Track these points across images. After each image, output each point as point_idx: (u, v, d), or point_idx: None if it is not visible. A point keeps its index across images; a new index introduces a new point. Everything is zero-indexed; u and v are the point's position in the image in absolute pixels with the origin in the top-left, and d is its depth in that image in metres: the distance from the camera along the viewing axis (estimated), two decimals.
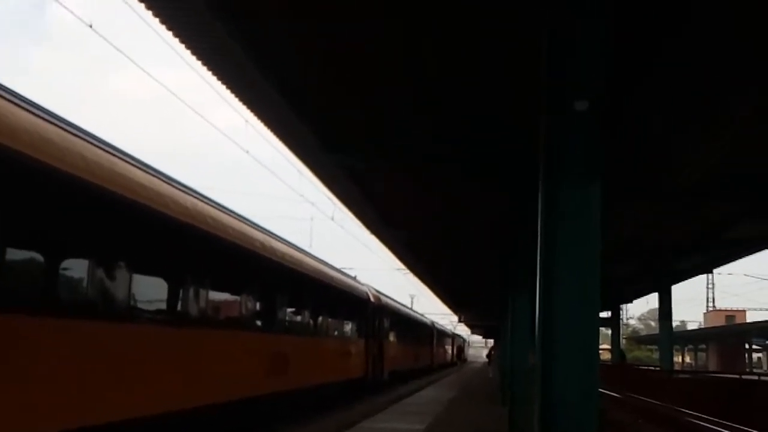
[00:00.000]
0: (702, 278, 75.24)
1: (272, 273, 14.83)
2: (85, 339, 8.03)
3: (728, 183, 13.80)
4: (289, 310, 16.27)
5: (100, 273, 8.30)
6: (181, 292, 10.60)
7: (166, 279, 10.44)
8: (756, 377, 19.58)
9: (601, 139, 4.94)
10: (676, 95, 9.17)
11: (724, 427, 4.19)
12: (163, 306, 10.36)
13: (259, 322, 14.12)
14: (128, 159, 9.41)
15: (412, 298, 70.86)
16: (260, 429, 14.13)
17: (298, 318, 17.31)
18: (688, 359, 78.47)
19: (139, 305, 9.46)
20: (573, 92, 4.90)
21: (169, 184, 10.46)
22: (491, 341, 71.52)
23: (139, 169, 9.58)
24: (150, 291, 10.12)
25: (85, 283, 8.14)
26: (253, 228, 14.22)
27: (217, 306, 12.46)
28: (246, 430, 13.41)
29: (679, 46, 7.81)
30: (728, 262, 26.16)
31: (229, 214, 12.92)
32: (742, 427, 3.52)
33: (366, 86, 10.24)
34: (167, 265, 10.34)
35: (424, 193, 16.58)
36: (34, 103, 7.63)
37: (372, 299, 26.85)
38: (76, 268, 8.24)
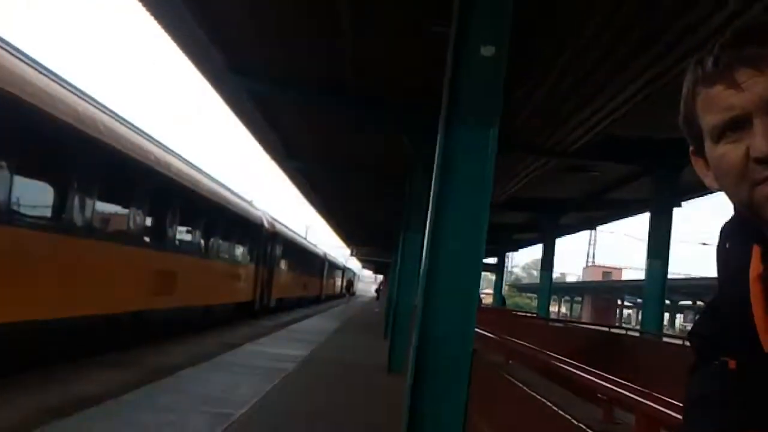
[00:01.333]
0: (585, 234, 78.88)
1: (165, 189, 14.49)
2: None
3: (616, 146, 14.42)
4: (180, 228, 15.99)
5: None
6: (67, 198, 10.19)
7: (51, 185, 10.03)
8: (624, 331, 20.84)
9: (502, 86, 5.03)
10: (576, 54, 9.41)
11: (588, 373, 4.49)
12: (48, 212, 9.96)
13: (147, 238, 13.82)
14: (19, 54, 8.88)
15: (307, 228, 71.03)
16: (145, 343, 14.01)
17: (189, 237, 17.06)
18: (564, 309, 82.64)
19: (21, 209, 9.05)
20: (480, 36, 4.94)
21: (61, 85, 9.95)
22: (381, 277, 72.85)
23: (30, 65, 9.06)
24: (33, 195, 9.71)
25: None
26: (148, 140, 13.78)
27: (105, 217, 12.10)
28: (130, 344, 13.26)
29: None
30: (610, 222, 27.51)
31: (124, 124, 12.47)
32: (603, 374, 3.79)
33: (281, 17, 10.07)
34: (54, 171, 9.93)
35: (326, 126, 16.53)
36: None
37: (266, 225, 26.74)
38: None
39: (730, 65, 0.95)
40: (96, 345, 12.02)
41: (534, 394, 3.22)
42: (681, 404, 1.21)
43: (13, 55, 8.84)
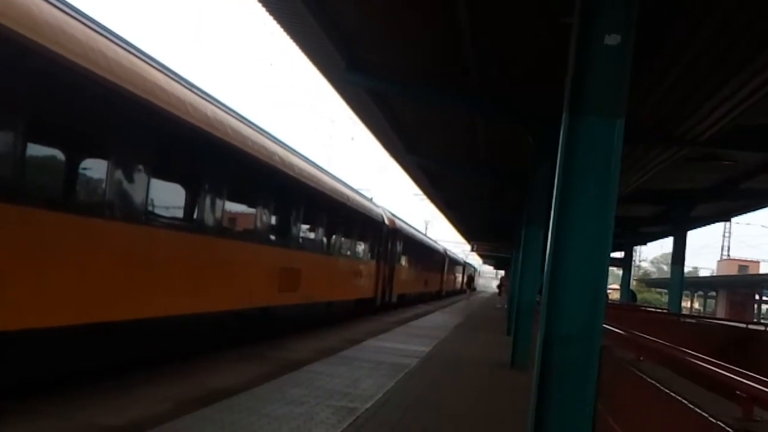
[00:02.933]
0: (719, 226, 74.98)
1: (290, 188, 14.90)
2: (100, 238, 8.18)
3: (751, 134, 13.62)
4: (305, 226, 16.40)
5: (119, 175, 8.37)
6: (199, 200, 10.69)
7: (184, 186, 10.56)
8: (763, 327, 19.65)
9: (629, 75, 4.86)
10: (708, 41, 8.96)
11: (727, 370, 4.26)
12: (181, 213, 10.50)
13: (273, 236, 14.27)
14: (150, 60, 9.36)
15: (426, 224, 71.28)
16: (272, 338, 14.50)
17: (312, 235, 17.47)
18: (696, 305, 78.90)
19: (157, 210, 9.56)
20: (605, 25, 4.80)
21: (189, 89, 10.42)
22: (502, 272, 72.08)
23: (160, 71, 9.53)
24: (167, 196, 10.24)
25: (104, 185, 8.23)
26: (273, 141, 14.22)
27: (233, 217, 12.59)
28: (256, 338, 13.77)
29: None
30: (746, 212, 26.01)
31: (250, 126, 12.90)
32: (743, 371, 3.58)
33: (396, 10, 10.14)
34: (186, 173, 10.44)
35: (447, 122, 16.52)
36: None
37: (386, 222, 27.00)
38: (96, 169, 8.33)
39: None
40: (228, 339, 12.56)
41: (668, 391, 3.11)
42: None
43: (145, 61, 9.36)
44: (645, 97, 11.50)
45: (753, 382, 2.33)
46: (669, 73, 10.33)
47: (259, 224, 13.24)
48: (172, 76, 9.98)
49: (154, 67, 9.39)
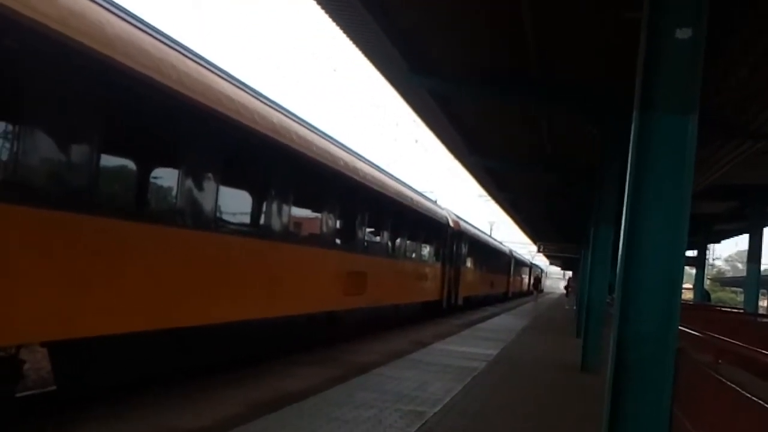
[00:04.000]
0: None
1: (354, 193, 14.98)
2: (173, 245, 8.37)
3: None
4: (370, 230, 16.46)
5: (192, 185, 8.55)
6: (267, 206, 10.85)
7: (252, 193, 10.73)
8: None
9: (701, 69, 4.72)
10: None
11: None
12: (250, 219, 10.68)
13: (339, 241, 14.37)
14: (217, 71, 9.54)
15: (491, 226, 70.77)
16: (339, 341, 14.61)
17: (378, 239, 17.53)
18: None
19: (227, 217, 9.74)
20: (676, 19, 4.66)
21: (255, 97, 10.58)
22: (569, 273, 70.95)
23: (226, 81, 9.71)
24: (237, 204, 10.43)
25: (174, 194, 8.42)
26: (337, 146, 14.32)
27: (301, 222, 12.73)
28: (325, 342, 13.89)
29: None
30: None
31: (314, 132, 13.02)
32: None
33: (457, 11, 10.08)
34: (254, 180, 10.61)
35: (510, 121, 16.35)
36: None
37: (451, 224, 26.90)
38: (167, 178, 8.55)
39: None
40: (298, 344, 12.71)
41: (750, 395, 2.99)
42: None
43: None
44: (718, 90, 11.14)
45: None
46: (742, 63, 9.98)
47: (325, 229, 13.34)
48: (239, 85, 10.15)
49: (221, 77, 9.58)
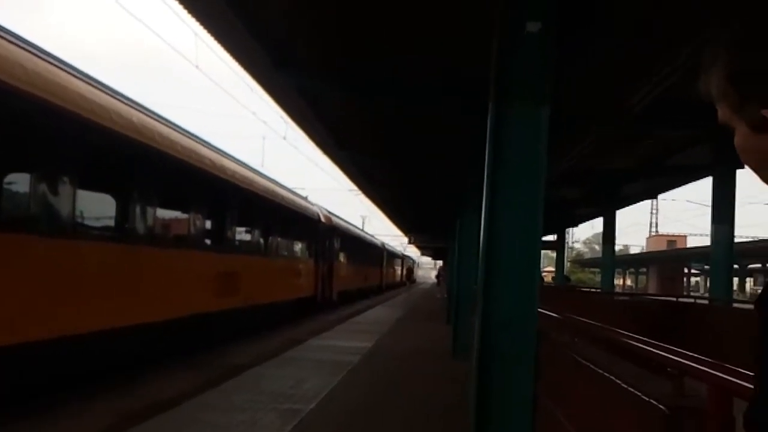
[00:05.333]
0: (647, 205, 77.39)
1: (222, 192, 14.72)
2: (25, 254, 7.92)
3: (673, 110, 14.01)
4: (240, 229, 16.24)
5: (43, 188, 8.11)
6: (130, 209, 10.46)
7: (113, 196, 10.30)
8: (692, 300, 20.35)
9: (553, 61, 4.94)
10: (628, 22, 9.16)
11: (655, 346, 4.38)
12: (112, 223, 10.25)
13: (209, 241, 14.09)
14: (70, 69, 9.10)
15: (363, 219, 71.38)
16: (213, 344, 14.29)
17: (249, 237, 17.32)
18: (629, 282, 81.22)
19: (87, 222, 9.32)
20: (526, 12, 4.86)
21: (112, 96, 10.17)
22: (440, 262, 72.76)
23: (81, 80, 9.27)
24: (97, 208, 9.99)
25: (27, 198, 7.96)
26: (203, 145, 14.01)
27: (167, 224, 12.37)
28: (198, 346, 13.55)
29: None
30: (672, 189, 26.81)
31: (178, 131, 12.68)
32: (675, 348, 3.70)
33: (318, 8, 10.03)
34: (114, 182, 10.19)
35: (377, 115, 16.48)
36: None
37: (323, 220, 26.94)
38: (18, 182, 8.06)
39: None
40: (167, 349, 12.33)
41: (602, 371, 3.17)
42: (752, 373, 1.17)
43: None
44: (570, 79, 11.69)
45: (681, 357, 2.39)
46: (592, 54, 10.52)
47: (193, 230, 13.03)
48: (95, 85, 9.72)
49: (76, 77, 9.14)
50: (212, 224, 14.27)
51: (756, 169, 1.13)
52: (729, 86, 1.08)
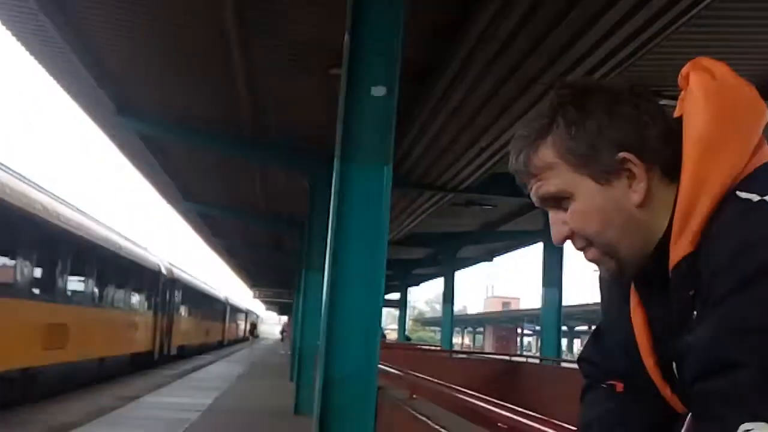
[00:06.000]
0: (485, 266, 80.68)
1: (54, 238, 13.93)
2: None
3: (506, 180, 14.89)
4: (72, 277, 15.36)
5: None
6: None
7: None
8: (524, 359, 21.32)
9: (394, 124, 5.15)
10: (463, 96, 9.71)
11: (492, 404, 4.56)
12: None
13: (36, 289, 13.21)
14: None
15: (207, 273, 69.58)
16: (37, 401, 13.28)
17: (81, 287, 16.40)
18: (467, 341, 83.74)
19: None
20: (371, 78, 5.06)
21: None
22: (285, 318, 71.93)
23: None
24: None
25: None
26: (34, 187, 13.26)
27: None
28: (20, 402, 12.54)
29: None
30: (507, 252, 28.24)
31: (5, 170, 11.96)
32: (506, 404, 3.88)
33: (159, 61, 9.98)
34: None
35: (224, 168, 16.34)
36: None
37: (164, 271, 26.04)
38: None
39: (515, 173, 1.15)
40: None
41: (437, 427, 3.26)
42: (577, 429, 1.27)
43: None
44: (412, 147, 12.20)
45: (511, 413, 2.52)
46: (431, 126, 11.05)
47: (19, 277, 12.19)
48: None
49: None
50: (41, 271, 13.42)
51: (597, 234, 1.06)
52: (566, 148, 1.06)
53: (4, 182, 11.45)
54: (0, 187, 11.14)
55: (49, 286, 13.92)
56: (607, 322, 1.25)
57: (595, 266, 1.12)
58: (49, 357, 13.64)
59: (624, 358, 1.14)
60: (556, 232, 1.11)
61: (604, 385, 1.20)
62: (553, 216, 1.11)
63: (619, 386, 1.17)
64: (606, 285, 1.24)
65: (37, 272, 13.28)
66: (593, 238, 1.07)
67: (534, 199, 1.12)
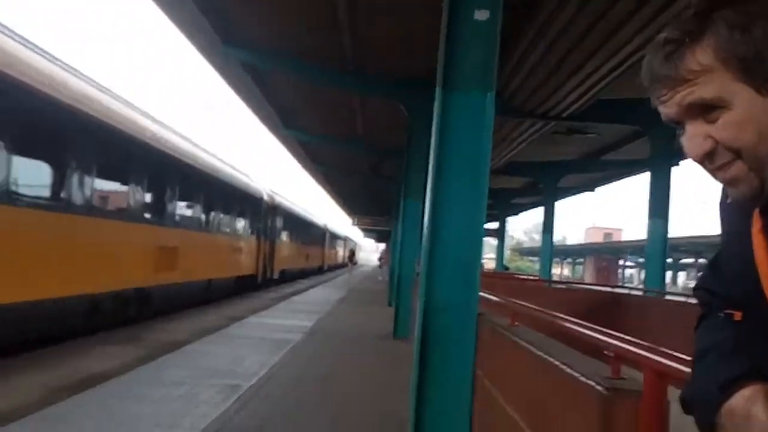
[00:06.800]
0: (586, 196, 79.11)
1: (165, 165, 14.49)
2: None
3: (612, 107, 14.38)
4: (181, 203, 16.01)
5: None
6: (68, 178, 10.21)
7: (49, 164, 10.05)
8: (627, 290, 20.94)
9: (498, 50, 5.02)
10: (568, 21, 9.35)
11: (593, 330, 4.52)
12: (48, 192, 10.00)
13: (149, 214, 13.86)
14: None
15: (308, 200, 71.11)
16: (149, 319, 14.11)
17: (190, 212, 17.09)
18: (566, 272, 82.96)
19: (21, 190, 9.06)
20: (474, 1, 4.92)
21: (52, 62, 9.90)
22: (383, 246, 73.02)
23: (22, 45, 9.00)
24: (32, 175, 9.73)
25: None
26: (144, 116, 13.74)
27: (105, 195, 12.12)
28: (134, 320, 13.36)
29: None
30: (610, 183, 27.50)
31: (118, 100, 12.42)
32: (609, 330, 3.83)
33: None
34: (51, 149, 9.94)
35: (324, 97, 16.46)
36: None
37: (266, 198, 26.75)
38: None
39: (653, 82, 1.05)
40: (103, 323, 12.13)
41: (539, 353, 3.27)
42: (688, 357, 1.24)
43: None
44: (513, 73, 11.90)
45: (619, 341, 2.48)
46: (535, 50, 10.71)
47: (133, 202, 12.80)
48: (33, 48, 9.45)
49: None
50: (152, 197, 14.04)
51: (752, 146, 0.99)
52: (730, 52, 0.98)
53: (115, 110, 11.92)
54: (112, 115, 11.59)
55: (160, 212, 14.56)
56: (727, 251, 1.21)
57: (717, 192, 1.06)
58: (160, 278, 14.37)
59: (743, 286, 1.10)
60: (696, 146, 1.04)
61: (721, 314, 1.17)
62: (693, 129, 1.04)
63: (738, 315, 1.14)
64: (727, 212, 1.19)
65: (150, 198, 13.89)
66: (746, 151, 1.00)
67: (671, 110, 1.05)
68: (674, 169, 15.13)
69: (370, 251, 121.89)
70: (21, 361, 9.33)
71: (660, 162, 15.05)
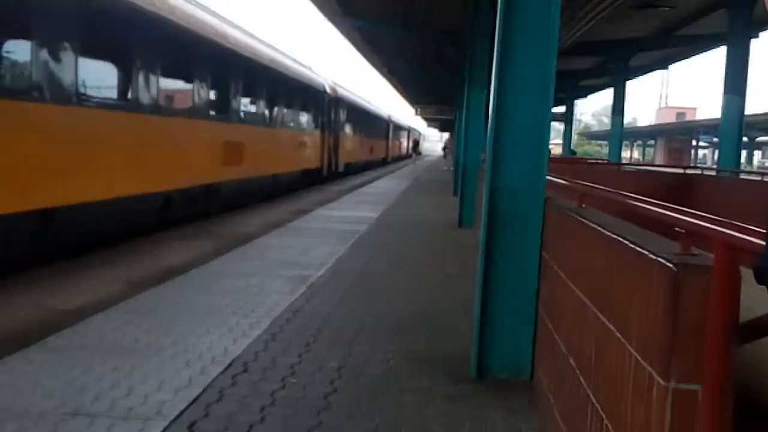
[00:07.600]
0: (658, 76, 75.98)
1: (226, 61, 14.47)
2: (31, 122, 7.90)
3: None
4: (244, 99, 16.09)
5: (44, 56, 7.98)
6: (133, 78, 10.33)
7: (116, 64, 10.16)
8: (699, 171, 20.38)
9: None
10: None
11: (670, 209, 4.43)
12: (115, 92, 10.16)
13: (213, 111, 13.98)
14: None
15: (369, 91, 70.52)
16: (218, 214, 14.50)
17: (253, 108, 17.18)
18: (636, 155, 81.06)
19: (90, 91, 9.22)
20: None
21: None
22: (446, 135, 72.44)
23: None
24: (101, 76, 9.87)
25: (29, 67, 7.85)
26: (204, 11, 13.64)
27: (170, 94, 12.25)
28: (203, 215, 13.75)
29: None
30: (684, 59, 26.27)
31: None
32: (678, 207, 3.76)
33: None
34: (116, 50, 10.02)
35: None
36: None
37: (329, 91, 26.62)
38: (17, 49, 7.92)
39: None
40: (175, 219, 12.53)
41: (607, 232, 3.21)
42: (762, 230, 1.18)
43: None
44: None
45: (689, 217, 2.41)
46: None
47: (197, 99, 12.91)
48: None
49: None
50: (216, 94, 14.12)
51: None
52: None
53: (173, 5, 11.84)
54: (173, 11, 11.53)
55: (225, 108, 14.67)
56: None
57: None
58: (228, 174, 14.65)
59: None
60: None
61: None
62: None
63: None
64: None
65: (215, 95, 13.97)
66: None
67: None
68: (753, 42, 14.34)
69: (434, 140, 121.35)
70: (104, 256, 9.77)
71: (738, 34, 14.25)
